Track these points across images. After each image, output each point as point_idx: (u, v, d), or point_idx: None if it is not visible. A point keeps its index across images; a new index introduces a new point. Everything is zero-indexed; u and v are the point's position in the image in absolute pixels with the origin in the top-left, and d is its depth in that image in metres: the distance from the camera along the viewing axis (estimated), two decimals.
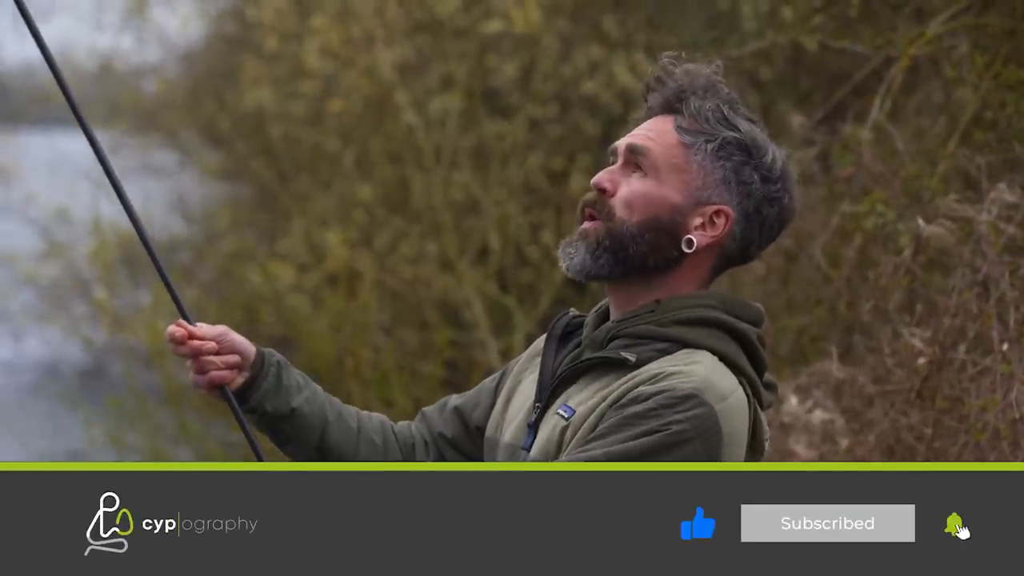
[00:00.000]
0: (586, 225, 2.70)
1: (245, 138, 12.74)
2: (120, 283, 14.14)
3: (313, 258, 10.72)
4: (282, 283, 10.43)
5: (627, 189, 2.68)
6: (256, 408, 2.82)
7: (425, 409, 2.98)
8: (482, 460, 2.85)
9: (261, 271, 10.96)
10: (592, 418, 2.59)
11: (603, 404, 2.60)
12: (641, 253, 2.67)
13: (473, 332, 9.69)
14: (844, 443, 4.78)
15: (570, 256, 2.69)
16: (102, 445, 8.82)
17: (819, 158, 6.02)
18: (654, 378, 2.57)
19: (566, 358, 2.76)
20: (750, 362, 2.67)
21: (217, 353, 2.78)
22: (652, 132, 2.71)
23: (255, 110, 11.71)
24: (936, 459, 4.47)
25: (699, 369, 2.58)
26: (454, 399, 2.97)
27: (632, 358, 2.62)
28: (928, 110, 6.01)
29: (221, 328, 2.81)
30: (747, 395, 2.63)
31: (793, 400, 4.96)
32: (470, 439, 2.90)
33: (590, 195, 2.71)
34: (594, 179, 2.71)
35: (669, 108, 2.73)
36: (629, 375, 2.61)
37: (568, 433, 2.62)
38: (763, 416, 2.68)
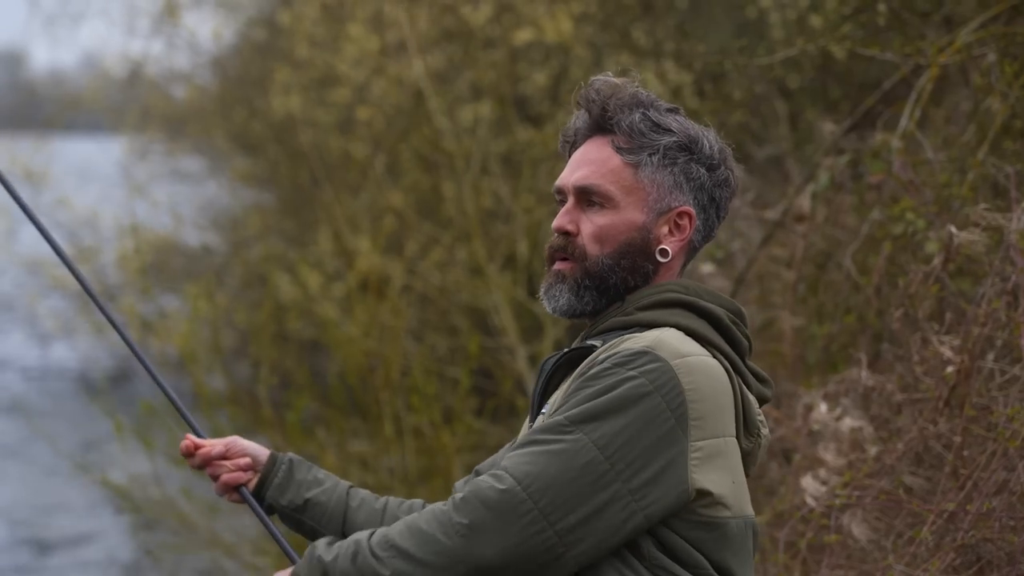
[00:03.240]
0: (559, 266, 2.80)
1: (275, 144, 12.77)
2: (149, 288, 14.20)
3: (342, 265, 10.73)
4: (312, 289, 10.46)
5: (591, 225, 2.77)
6: (272, 504, 3.02)
7: (457, 484, 3.06)
8: None
9: (290, 277, 10.98)
10: (562, 397, 2.69)
11: (571, 383, 2.69)
12: (622, 279, 2.77)
13: (502, 338, 9.69)
14: (872, 451, 4.77)
15: (555, 299, 2.80)
16: (132, 449, 8.85)
17: (849, 166, 6.02)
18: (609, 347, 2.68)
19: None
20: (726, 342, 2.74)
21: (227, 457, 3.02)
22: (594, 163, 2.79)
23: (285, 117, 11.74)
24: (964, 467, 4.46)
25: (653, 333, 2.67)
26: (479, 467, 3.05)
27: (598, 343, 2.73)
28: (957, 118, 5.99)
29: (230, 437, 3.06)
30: (724, 367, 2.68)
31: (822, 407, 4.95)
32: None
33: (556, 239, 2.80)
34: (555, 224, 2.81)
35: (600, 128, 2.81)
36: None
37: (539, 421, 2.74)
38: (752, 398, 2.74)
